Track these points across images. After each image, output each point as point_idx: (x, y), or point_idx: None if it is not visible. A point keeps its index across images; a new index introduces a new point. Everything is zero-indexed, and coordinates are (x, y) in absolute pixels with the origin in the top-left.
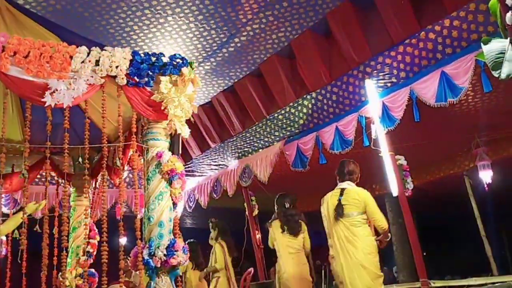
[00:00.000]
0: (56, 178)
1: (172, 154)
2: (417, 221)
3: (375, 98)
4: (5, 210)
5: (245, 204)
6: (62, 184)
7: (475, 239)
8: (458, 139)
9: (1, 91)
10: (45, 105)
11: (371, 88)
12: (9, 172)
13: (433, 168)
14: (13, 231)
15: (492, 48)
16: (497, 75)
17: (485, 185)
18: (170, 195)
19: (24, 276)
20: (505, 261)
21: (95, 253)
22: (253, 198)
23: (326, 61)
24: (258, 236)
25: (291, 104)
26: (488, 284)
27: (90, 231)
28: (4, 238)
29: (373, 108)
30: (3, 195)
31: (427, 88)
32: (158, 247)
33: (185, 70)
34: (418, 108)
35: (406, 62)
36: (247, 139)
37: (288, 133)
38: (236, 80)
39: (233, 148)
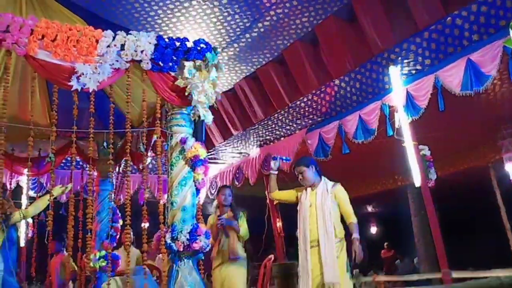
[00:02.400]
0: (81, 163)
1: (195, 141)
2: (439, 213)
3: (399, 86)
4: (31, 193)
5: (266, 192)
6: (86, 169)
7: (499, 231)
8: (483, 130)
9: (29, 75)
10: (72, 89)
11: (395, 75)
12: (36, 156)
13: (457, 159)
14: (39, 213)
15: None
16: None
17: (511, 178)
18: (193, 181)
19: (49, 257)
20: None
21: (118, 236)
22: None
23: (350, 47)
24: (279, 224)
25: (314, 91)
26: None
27: (113, 215)
28: (30, 220)
29: (397, 96)
30: (30, 179)
31: (453, 76)
32: (181, 232)
33: (209, 55)
34: (443, 97)
35: (431, 49)
36: (269, 127)
37: (310, 121)
38: (259, 67)
39: (255, 136)
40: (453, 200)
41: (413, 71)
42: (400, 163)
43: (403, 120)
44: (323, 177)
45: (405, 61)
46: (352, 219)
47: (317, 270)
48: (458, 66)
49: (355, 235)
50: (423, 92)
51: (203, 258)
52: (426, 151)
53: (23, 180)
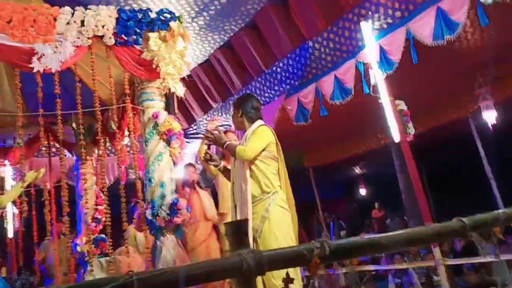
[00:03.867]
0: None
1: (168, 114)
2: (424, 169)
3: (371, 41)
4: (13, 183)
5: None
6: (65, 154)
7: (484, 182)
8: (460, 79)
9: None
10: (33, 71)
11: (367, 31)
12: (11, 146)
13: (437, 112)
14: (21, 203)
15: None
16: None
17: (490, 126)
18: (170, 155)
19: (35, 245)
20: None
21: (103, 219)
22: None
23: (320, 6)
24: None
25: (289, 55)
26: None
27: (97, 198)
28: (16, 211)
29: (370, 52)
30: (11, 168)
31: (424, 27)
32: (161, 207)
33: (173, 24)
34: (416, 49)
35: (401, 1)
36: None
37: (288, 86)
38: (231, 34)
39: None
40: (436, 155)
41: (385, 25)
42: (380, 121)
43: (378, 76)
44: (257, 122)
45: (376, 15)
46: (243, 147)
47: None
48: (428, 16)
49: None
50: (396, 46)
51: (184, 232)
52: (402, 105)
53: (4, 171)
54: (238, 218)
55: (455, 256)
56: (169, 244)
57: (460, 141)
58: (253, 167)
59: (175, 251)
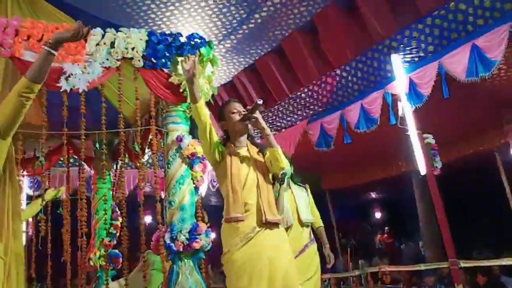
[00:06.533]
0: (79, 160)
1: (192, 138)
2: (444, 197)
3: (401, 74)
4: (30, 192)
5: None
6: (84, 167)
7: (506, 217)
8: (489, 114)
9: (17, 76)
10: (61, 90)
11: (398, 63)
12: (31, 157)
13: (462, 144)
14: (37, 214)
15: None
16: None
17: None
18: (192, 179)
19: (49, 257)
20: None
21: (118, 234)
22: None
23: (350, 35)
24: None
25: (314, 82)
26: None
27: (112, 212)
28: (30, 220)
29: (400, 85)
30: (28, 178)
31: (457, 63)
32: (180, 231)
33: (203, 50)
34: (447, 83)
35: (434, 35)
36: (270, 119)
37: (311, 112)
38: (257, 58)
39: (255, 129)
40: (458, 185)
41: (416, 58)
42: (403, 150)
43: (406, 109)
44: None
45: (408, 48)
46: None
47: None
48: (462, 52)
49: None
50: (427, 79)
51: (204, 257)
52: (430, 139)
53: (23, 182)
54: None
55: None
56: (186, 269)
57: (483, 174)
58: None
59: (192, 277)
